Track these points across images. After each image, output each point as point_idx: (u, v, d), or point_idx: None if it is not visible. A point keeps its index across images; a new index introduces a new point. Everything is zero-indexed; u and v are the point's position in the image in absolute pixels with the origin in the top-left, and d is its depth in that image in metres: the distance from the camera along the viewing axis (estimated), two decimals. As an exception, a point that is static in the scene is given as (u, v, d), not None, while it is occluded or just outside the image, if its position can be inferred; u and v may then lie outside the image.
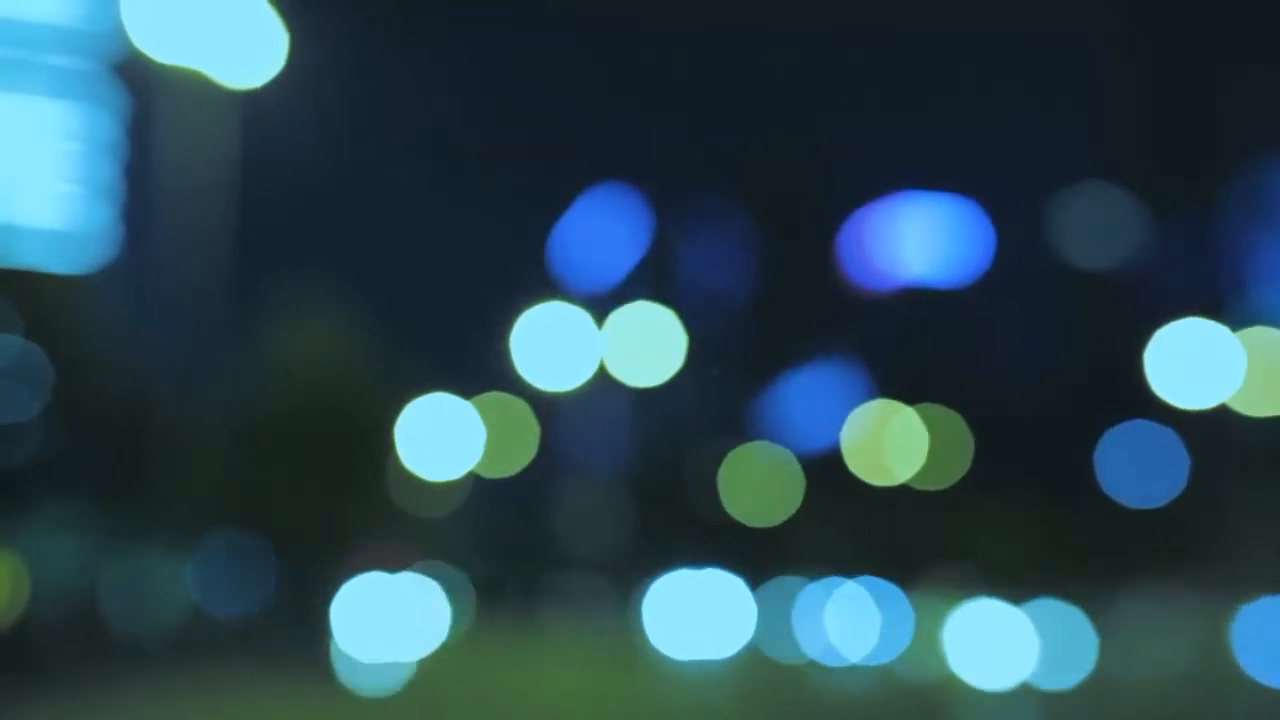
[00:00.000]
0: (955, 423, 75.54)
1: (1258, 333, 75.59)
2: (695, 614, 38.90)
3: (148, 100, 40.96)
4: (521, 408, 58.17)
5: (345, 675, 31.71)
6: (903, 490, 70.53)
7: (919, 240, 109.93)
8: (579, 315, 67.73)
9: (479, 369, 57.25)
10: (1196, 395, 68.17)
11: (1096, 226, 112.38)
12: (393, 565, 40.61)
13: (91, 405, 38.50)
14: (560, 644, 38.58)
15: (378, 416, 47.03)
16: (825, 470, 72.19)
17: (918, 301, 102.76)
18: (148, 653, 32.43)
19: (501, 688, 26.19)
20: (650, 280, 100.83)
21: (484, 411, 53.90)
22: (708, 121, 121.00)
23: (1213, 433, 71.45)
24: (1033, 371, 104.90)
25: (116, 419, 39.56)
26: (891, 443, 73.57)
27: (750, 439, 79.06)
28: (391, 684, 28.83)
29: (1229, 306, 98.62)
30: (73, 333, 37.40)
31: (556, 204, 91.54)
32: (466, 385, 52.92)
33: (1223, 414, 68.96)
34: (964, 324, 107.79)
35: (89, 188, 50.96)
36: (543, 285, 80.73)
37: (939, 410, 75.77)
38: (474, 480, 54.45)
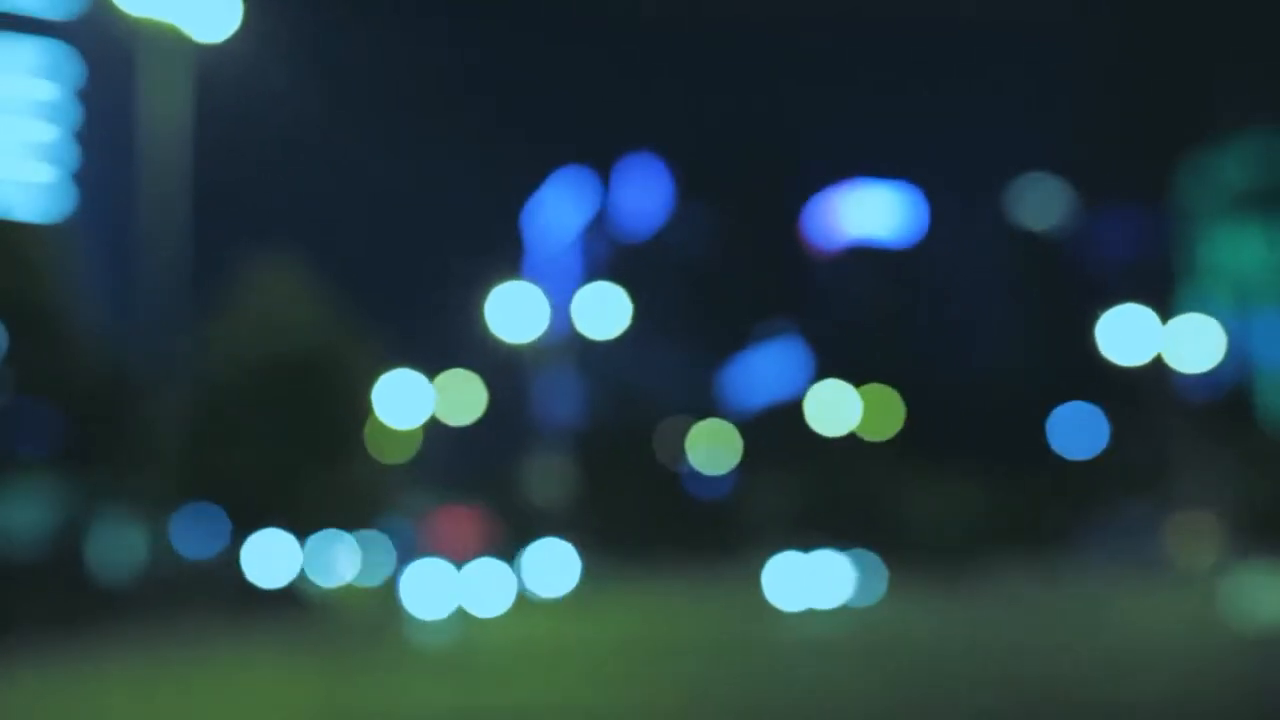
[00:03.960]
0: (895, 399, 75.80)
1: (1189, 319, 76.40)
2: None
3: (113, 52, 39.75)
4: (475, 380, 60.17)
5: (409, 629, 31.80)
6: (848, 454, 71.21)
7: (869, 224, 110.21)
8: (537, 293, 68.96)
9: (441, 345, 59.42)
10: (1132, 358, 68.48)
11: (1039, 216, 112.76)
12: (460, 556, 40.61)
13: (50, 358, 37.26)
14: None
15: (349, 381, 46.23)
16: (772, 436, 73.15)
17: (865, 290, 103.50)
18: (120, 602, 31.67)
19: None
20: (609, 257, 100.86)
21: (446, 383, 56.91)
22: (676, 108, 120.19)
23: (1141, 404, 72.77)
24: (974, 356, 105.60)
25: (76, 373, 38.40)
26: (838, 413, 73.82)
27: (705, 412, 79.77)
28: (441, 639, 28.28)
29: (1164, 294, 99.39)
30: (33, 282, 36.07)
31: (519, 186, 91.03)
32: (429, 361, 55.35)
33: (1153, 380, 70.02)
34: (911, 305, 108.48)
35: (51, 138, 49.68)
36: (506, 264, 79.97)
37: (883, 389, 76.05)
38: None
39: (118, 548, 36.49)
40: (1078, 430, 78.99)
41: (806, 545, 43.57)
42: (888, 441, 71.36)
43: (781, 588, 40.26)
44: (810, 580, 40.85)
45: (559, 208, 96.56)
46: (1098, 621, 28.23)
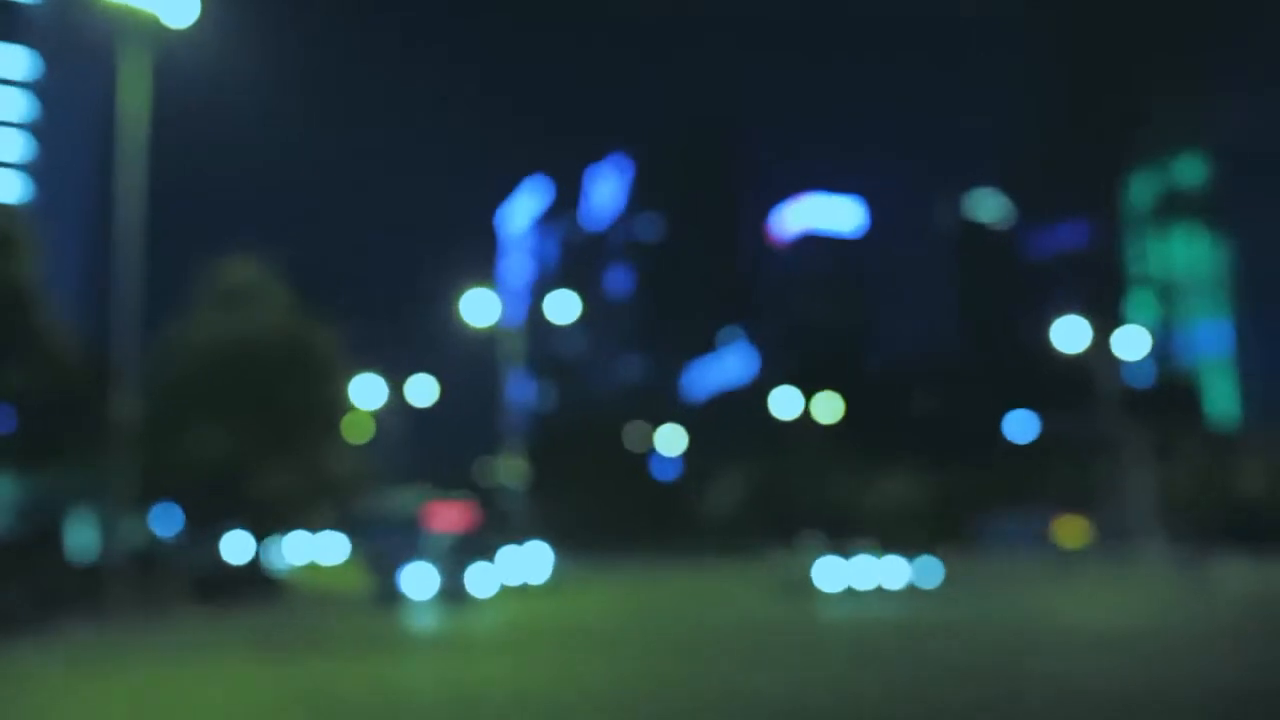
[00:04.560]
0: (837, 399, 77.55)
1: (1129, 330, 78.58)
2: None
3: (84, 40, 39.55)
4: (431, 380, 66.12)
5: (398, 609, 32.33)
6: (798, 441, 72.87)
7: (820, 220, 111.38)
8: (506, 294, 72.64)
9: (408, 345, 63.79)
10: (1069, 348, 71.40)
11: (985, 229, 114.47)
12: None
13: (17, 342, 36.86)
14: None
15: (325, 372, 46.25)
16: (727, 424, 74.48)
17: (815, 282, 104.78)
18: (98, 584, 31.73)
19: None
20: (576, 256, 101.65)
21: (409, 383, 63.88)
22: (643, 118, 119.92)
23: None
24: (911, 349, 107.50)
25: (46, 359, 38.07)
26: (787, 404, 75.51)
27: (668, 401, 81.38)
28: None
29: (1099, 295, 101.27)
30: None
31: (490, 191, 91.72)
32: (396, 360, 59.38)
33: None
34: (857, 298, 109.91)
35: (17, 124, 49.43)
36: (477, 266, 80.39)
37: (828, 394, 77.76)
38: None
39: (94, 531, 36.45)
40: (1011, 422, 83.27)
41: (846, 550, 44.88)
42: (833, 433, 73.76)
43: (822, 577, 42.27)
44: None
45: (529, 212, 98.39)
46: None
